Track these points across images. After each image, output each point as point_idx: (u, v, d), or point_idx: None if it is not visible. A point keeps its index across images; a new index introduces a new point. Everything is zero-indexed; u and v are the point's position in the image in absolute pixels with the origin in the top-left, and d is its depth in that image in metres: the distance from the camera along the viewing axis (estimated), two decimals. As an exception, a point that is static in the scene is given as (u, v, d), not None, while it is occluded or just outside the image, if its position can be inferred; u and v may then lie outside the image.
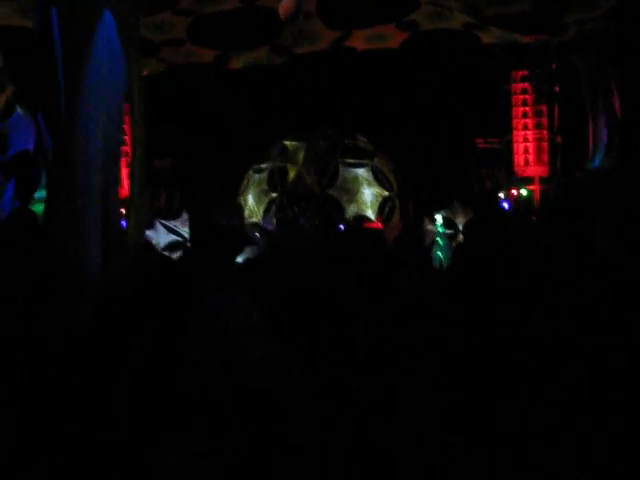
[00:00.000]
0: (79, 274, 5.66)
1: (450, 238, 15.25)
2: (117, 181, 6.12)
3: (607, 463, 3.85)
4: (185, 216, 16.10)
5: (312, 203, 17.73)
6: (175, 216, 16.54)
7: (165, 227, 15.99)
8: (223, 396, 3.28)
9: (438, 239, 15.28)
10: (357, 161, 18.60)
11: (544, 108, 17.51)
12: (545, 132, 17.50)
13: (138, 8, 6.45)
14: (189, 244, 15.37)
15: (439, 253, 14.60)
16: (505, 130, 18.07)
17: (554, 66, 17.10)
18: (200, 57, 16.23)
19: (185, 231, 15.56)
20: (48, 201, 6.31)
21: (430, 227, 15.94)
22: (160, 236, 15.86)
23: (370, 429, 4.31)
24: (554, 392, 4.11)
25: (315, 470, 3.71)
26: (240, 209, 18.97)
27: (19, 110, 13.09)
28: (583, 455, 3.92)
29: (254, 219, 18.70)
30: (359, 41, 16.25)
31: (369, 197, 18.31)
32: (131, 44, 6.25)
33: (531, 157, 17.58)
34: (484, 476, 3.98)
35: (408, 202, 18.57)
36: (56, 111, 5.94)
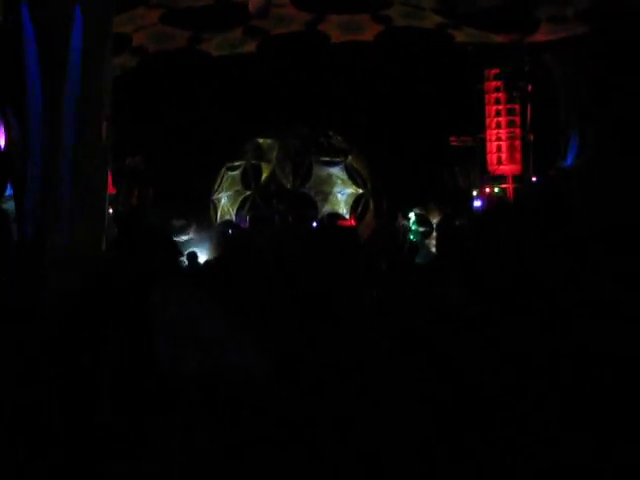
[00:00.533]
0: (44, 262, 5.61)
1: (424, 235, 15.29)
2: (99, 177, 6.03)
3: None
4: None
5: (286, 201, 17.67)
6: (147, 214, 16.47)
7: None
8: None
9: (411, 236, 15.32)
10: (331, 159, 18.58)
11: (517, 106, 17.59)
12: (518, 130, 17.58)
13: (109, 3, 6.39)
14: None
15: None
16: (478, 128, 18.13)
17: (527, 65, 17.17)
18: (172, 40, 16.04)
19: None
20: (16, 197, 6.24)
21: (403, 224, 15.98)
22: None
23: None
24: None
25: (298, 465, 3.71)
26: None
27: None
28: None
29: (227, 217, 18.62)
30: (334, 28, 16.15)
31: (342, 195, 18.29)
32: (102, 40, 6.19)
33: (504, 155, 17.66)
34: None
35: (382, 200, 18.57)
36: (27, 107, 5.88)
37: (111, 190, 8.69)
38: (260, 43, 16.66)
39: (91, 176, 5.98)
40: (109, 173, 11.60)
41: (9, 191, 12.85)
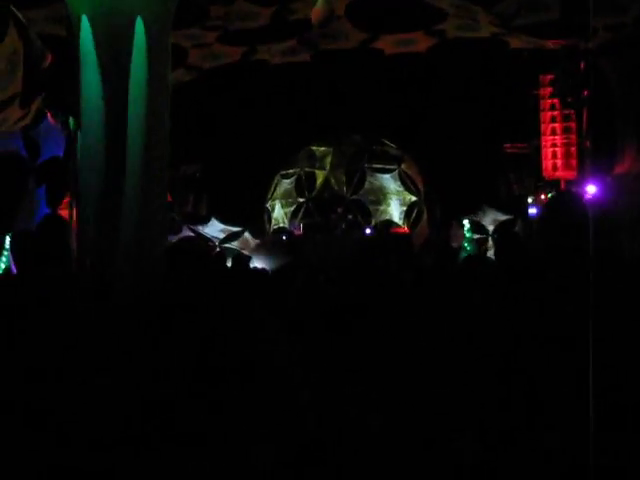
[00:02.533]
0: (108, 274, 5.69)
1: (479, 243, 15.19)
2: (159, 185, 6.11)
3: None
4: (213, 221, 16.20)
5: (339, 209, 17.72)
6: (203, 222, 16.65)
7: (193, 232, 16.10)
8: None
9: (465, 244, 15.23)
10: (384, 166, 18.60)
11: (572, 112, 17.40)
12: (573, 136, 17.39)
13: (167, 17, 6.48)
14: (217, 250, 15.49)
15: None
16: (533, 135, 17.98)
17: (582, 70, 16.98)
18: (227, 56, 16.24)
19: (214, 236, 15.67)
20: (78, 205, 6.36)
21: (458, 232, 15.89)
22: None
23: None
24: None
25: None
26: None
27: (49, 117, 13.23)
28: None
29: (281, 224, 18.75)
30: (386, 44, 16.23)
31: (396, 202, 18.29)
32: (161, 51, 6.29)
33: (559, 162, 17.48)
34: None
35: (435, 207, 18.53)
36: (89, 118, 6.00)
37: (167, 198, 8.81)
38: (314, 53, 16.77)
39: (154, 188, 6.07)
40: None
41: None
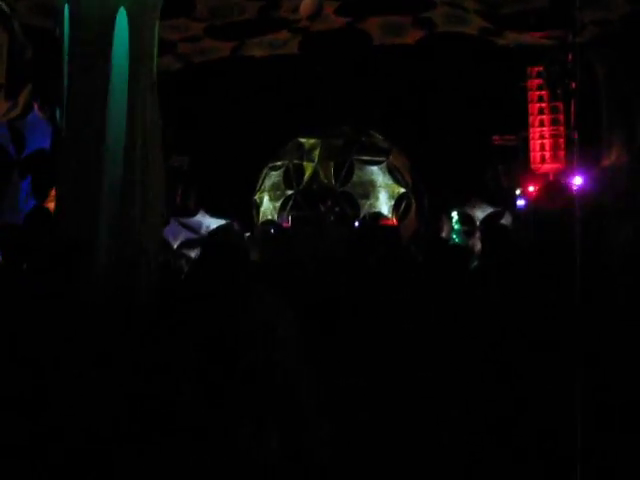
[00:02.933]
0: (92, 271, 5.66)
1: (467, 234, 15.22)
2: (145, 180, 6.07)
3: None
4: (201, 214, 16.18)
5: (327, 200, 17.72)
6: (191, 214, 16.63)
7: (181, 225, 16.09)
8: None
9: (454, 235, 15.27)
10: (373, 158, 18.60)
11: (560, 104, 17.40)
12: (561, 128, 17.39)
13: (153, 9, 6.43)
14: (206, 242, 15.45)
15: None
16: (521, 126, 17.99)
17: (570, 62, 16.99)
18: (217, 51, 16.20)
19: (202, 229, 15.65)
20: (58, 198, 6.31)
21: (446, 224, 15.93)
22: (176, 234, 15.96)
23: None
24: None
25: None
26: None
27: (35, 109, 13.17)
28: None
29: (269, 216, 18.74)
30: (375, 28, 16.13)
31: (385, 194, 18.30)
32: (146, 42, 6.24)
33: (547, 154, 17.48)
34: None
35: (424, 199, 18.55)
36: (72, 108, 5.96)
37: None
38: (301, 43, 16.69)
39: (148, 180, 6.03)
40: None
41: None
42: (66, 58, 5.84)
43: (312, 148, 18.87)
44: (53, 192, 12.89)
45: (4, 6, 10.70)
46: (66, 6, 5.85)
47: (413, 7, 14.75)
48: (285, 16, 13.58)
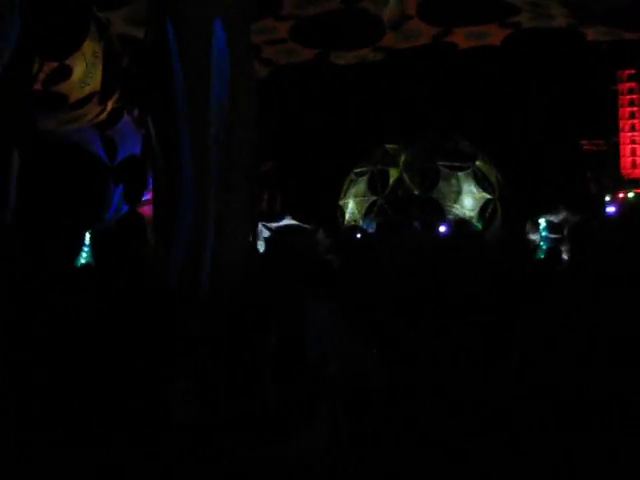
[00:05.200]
0: (189, 275, 5.78)
1: (556, 242, 14.95)
2: (244, 186, 6.19)
3: None
4: (287, 219, 16.34)
5: (413, 207, 17.67)
6: (277, 219, 16.80)
7: (267, 229, 16.26)
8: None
9: (542, 243, 15.04)
10: (458, 164, 18.45)
11: (653, 108, 17.05)
12: (654, 133, 17.03)
13: (247, 15, 6.58)
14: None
15: (542, 257, 14.35)
16: (611, 131, 17.64)
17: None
18: (301, 55, 16.37)
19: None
20: (155, 204, 6.47)
21: (533, 231, 15.70)
22: (262, 238, 16.15)
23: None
24: None
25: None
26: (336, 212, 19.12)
27: (126, 116, 13.53)
28: None
29: (355, 222, 18.77)
30: (460, 37, 16.10)
31: (470, 201, 18.14)
32: (242, 49, 6.37)
33: (639, 159, 17.12)
34: None
35: (510, 205, 18.31)
36: (169, 118, 6.12)
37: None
38: (386, 55, 16.79)
39: (240, 186, 6.15)
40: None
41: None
42: (173, 69, 6.02)
43: (397, 154, 18.84)
44: (145, 196, 13.26)
45: (101, 17, 11.07)
46: (168, 21, 6.03)
47: (498, 14, 14.66)
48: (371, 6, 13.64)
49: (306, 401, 3.37)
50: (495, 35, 16.01)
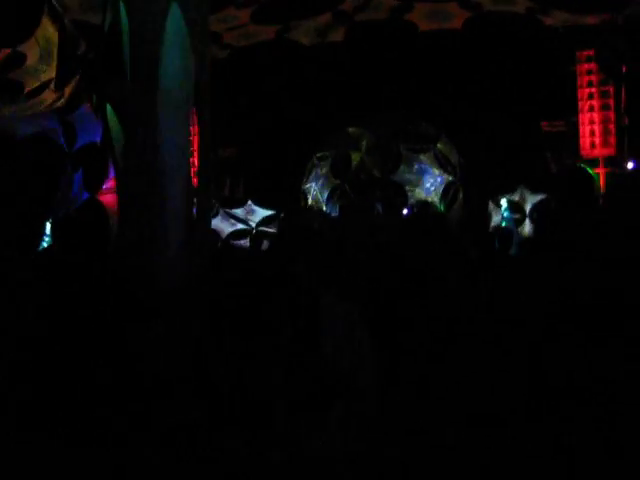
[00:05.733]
0: (151, 265, 5.73)
1: (516, 223, 15.09)
2: (189, 174, 6.16)
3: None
4: (250, 204, 16.28)
5: (375, 189, 17.71)
6: (239, 204, 16.74)
7: (229, 215, 16.20)
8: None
9: (504, 223, 15.15)
10: (420, 146, 18.51)
11: (610, 89, 17.14)
12: (612, 114, 17.14)
13: (204, 2, 6.50)
14: (255, 233, 15.58)
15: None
16: (570, 112, 17.76)
17: (621, 45, 16.72)
18: (261, 34, 16.26)
19: (250, 219, 15.75)
20: (119, 192, 6.39)
21: (494, 211, 15.82)
22: (224, 225, 16.09)
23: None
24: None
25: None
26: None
27: (85, 103, 13.36)
28: None
29: (317, 206, 18.78)
30: (420, 17, 16.06)
31: (432, 182, 18.22)
32: (198, 37, 6.30)
33: (597, 139, 17.24)
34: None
35: (472, 187, 18.42)
36: (126, 104, 6.04)
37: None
38: (347, 30, 16.66)
39: (186, 172, 6.10)
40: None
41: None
42: (126, 53, 5.93)
43: (359, 137, 18.84)
44: (105, 185, 13.13)
45: (56, 2, 10.90)
46: (121, 5, 5.94)
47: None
48: None
49: (321, 400, 3.33)
50: (456, 17, 16.01)
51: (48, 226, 13.22)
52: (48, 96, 11.60)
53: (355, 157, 18.58)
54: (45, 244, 13.04)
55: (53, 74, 11.11)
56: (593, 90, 17.27)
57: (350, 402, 3.31)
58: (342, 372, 3.31)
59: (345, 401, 3.30)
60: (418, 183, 18.16)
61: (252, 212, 15.89)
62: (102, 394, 4.01)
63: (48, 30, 10.53)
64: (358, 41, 16.73)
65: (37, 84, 11.00)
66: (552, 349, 4.29)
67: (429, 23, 16.22)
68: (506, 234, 9.51)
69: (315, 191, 19.03)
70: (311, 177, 19.24)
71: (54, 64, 10.95)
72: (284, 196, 18.05)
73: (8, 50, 9.97)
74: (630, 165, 14.73)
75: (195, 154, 8.07)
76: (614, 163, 17.07)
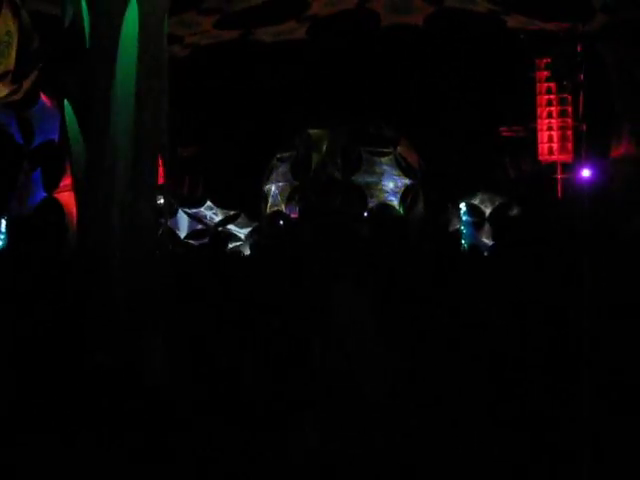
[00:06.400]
0: (110, 266, 5.67)
1: (476, 226, 15.19)
2: (152, 169, 6.10)
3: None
4: (208, 204, 16.20)
5: (335, 192, 17.71)
6: (198, 204, 16.65)
7: (188, 215, 16.11)
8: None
9: (462, 227, 15.25)
10: (380, 149, 18.56)
11: (569, 96, 17.33)
12: (570, 120, 17.33)
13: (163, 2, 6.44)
14: (217, 232, 15.49)
15: (462, 241, 14.57)
16: (529, 118, 17.93)
17: (579, 54, 16.91)
18: (223, 37, 16.16)
19: (209, 219, 15.67)
20: (76, 189, 6.31)
21: (454, 215, 15.92)
22: (182, 224, 16.00)
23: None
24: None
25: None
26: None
27: (43, 99, 13.19)
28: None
29: (277, 207, 18.72)
30: (384, 7, 15.99)
31: (392, 185, 18.27)
32: (157, 35, 6.25)
33: (555, 145, 17.42)
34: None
35: (432, 190, 18.51)
36: (85, 99, 5.97)
37: (161, 180, 8.84)
38: (310, 27, 16.57)
39: (145, 167, 6.04)
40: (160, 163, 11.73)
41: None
42: (84, 49, 5.87)
43: (320, 139, 18.83)
44: (62, 183, 12.96)
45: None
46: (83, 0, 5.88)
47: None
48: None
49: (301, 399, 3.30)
50: (418, 12, 15.98)
51: (3, 224, 13.04)
52: (3, 88, 11.44)
53: (315, 158, 18.57)
54: (0, 242, 12.84)
55: (10, 67, 10.95)
56: (552, 97, 17.45)
57: (338, 399, 3.29)
58: (338, 371, 3.30)
59: (332, 399, 3.28)
60: (378, 186, 18.18)
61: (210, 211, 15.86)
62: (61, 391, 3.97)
63: (8, 22, 10.39)
64: (320, 40, 16.68)
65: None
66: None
67: (391, 15, 16.16)
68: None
69: (275, 192, 18.97)
70: (271, 177, 19.18)
71: (12, 57, 10.80)
72: (244, 196, 17.98)
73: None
74: (586, 172, 14.88)
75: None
76: (571, 169, 17.27)
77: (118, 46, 5.90)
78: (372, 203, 17.96)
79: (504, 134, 18.49)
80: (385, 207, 17.85)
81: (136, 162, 6.02)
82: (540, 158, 17.65)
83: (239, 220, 16.95)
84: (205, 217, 16.14)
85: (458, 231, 15.04)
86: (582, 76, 17.09)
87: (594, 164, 15.41)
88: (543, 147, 17.59)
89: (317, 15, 15.84)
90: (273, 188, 19.01)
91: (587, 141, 17.22)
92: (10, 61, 10.81)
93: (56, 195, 13.20)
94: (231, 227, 16.54)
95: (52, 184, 13.22)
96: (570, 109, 17.36)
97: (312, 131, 18.99)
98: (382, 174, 18.27)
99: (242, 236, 16.44)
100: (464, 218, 15.46)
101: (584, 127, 17.28)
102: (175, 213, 15.73)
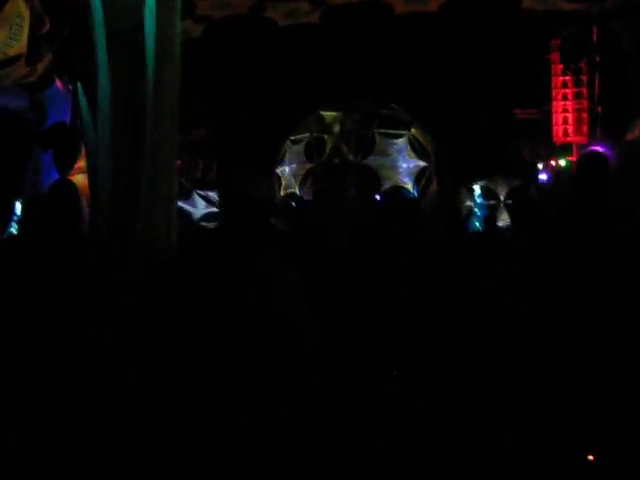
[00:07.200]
0: (121, 241, 5.66)
1: (490, 209, 15.15)
2: (171, 152, 6.07)
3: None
4: (195, 198, 16.20)
5: (349, 174, 17.68)
6: (212, 187, 16.64)
7: (202, 198, 16.10)
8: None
9: (476, 209, 15.21)
10: (394, 131, 18.49)
11: (584, 78, 17.22)
12: (585, 102, 17.24)
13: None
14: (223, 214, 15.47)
15: (477, 224, 14.53)
16: (544, 100, 17.84)
17: (595, 34, 16.78)
18: (236, 7, 16.06)
19: (193, 214, 15.68)
20: (90, 172, 6.29)
21: (467, 198, 15.86)
22: (197, 207, 16.00)
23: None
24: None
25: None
26: (272, 180, 19.01)
27: (57, 83, 13.19)
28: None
29: (291, 189, 18.72)
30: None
31: (406, 168, 18.22)
32: (170, 12, 6.20)
33: (570, 128, 17.35)
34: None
35: (445, 173, 18.45)
36: (96, 84, 5.94)
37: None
38: (323, 13, 16.51)
39: (165, 152, 6.01)
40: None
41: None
42: (99, 32, 5.81)
43: (333, 121, 18.79)
44: (76, 165, 12.98)
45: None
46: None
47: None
48: None
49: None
50: (432, 1, 15.90)
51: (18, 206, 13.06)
52: (18, 69, 11.48)
53: (329, 141, 18.53)
54: (15, 224, 12.86)
55: (23, 49, 11.00)
56: (567, 78, 17.36)
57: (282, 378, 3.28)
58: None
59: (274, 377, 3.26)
60: (392, 168, 18.14)
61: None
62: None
63: (19, 5, 10.42)
64: (334, 23, 16.59)
65: (5, 58, 10.91)
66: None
67: (405, 5, 16.10)
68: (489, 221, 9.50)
69: (289, 174, 18.96)
70: (284, 160, 19.16)
71: (24, 39, 10.84)
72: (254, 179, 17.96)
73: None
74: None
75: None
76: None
77: (137, 26, 5.83)
78: (387, 185, 17.93)
79: (519, 116, 18.42)
80: (399, 190, 17.82)
81: (153, 145, 5.98)
82: (555, 140, 17.58)
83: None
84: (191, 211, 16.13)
85: (471, 212, 14.98)
86: (598, 57, 16.98)
87: (609, 147, 15.31)
88: (558, 129, 17.52)
89: (330, 2, 15.77)
90: (287, 170, 19.01)
91: (602, 123, 17.13)
92: (23, 44, 10.87)
93: (70, 177, 13.22)
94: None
95: (66, 165, 13.24)
96: (585, 91, 17.27)
97: (325, 113, 18.95)
98: (396, 156, 18.22)
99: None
100: (478, 200, 15.41)
101: (599, 109, 17.20)
102: (189, 195, 15.73)
